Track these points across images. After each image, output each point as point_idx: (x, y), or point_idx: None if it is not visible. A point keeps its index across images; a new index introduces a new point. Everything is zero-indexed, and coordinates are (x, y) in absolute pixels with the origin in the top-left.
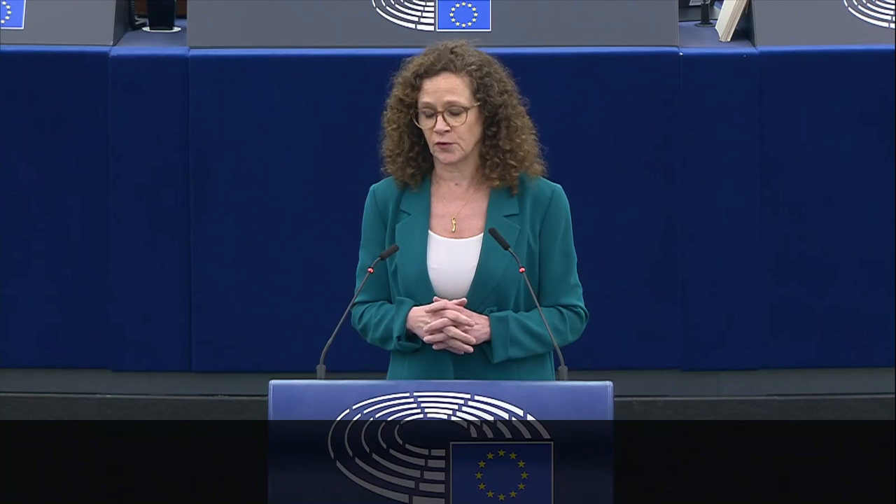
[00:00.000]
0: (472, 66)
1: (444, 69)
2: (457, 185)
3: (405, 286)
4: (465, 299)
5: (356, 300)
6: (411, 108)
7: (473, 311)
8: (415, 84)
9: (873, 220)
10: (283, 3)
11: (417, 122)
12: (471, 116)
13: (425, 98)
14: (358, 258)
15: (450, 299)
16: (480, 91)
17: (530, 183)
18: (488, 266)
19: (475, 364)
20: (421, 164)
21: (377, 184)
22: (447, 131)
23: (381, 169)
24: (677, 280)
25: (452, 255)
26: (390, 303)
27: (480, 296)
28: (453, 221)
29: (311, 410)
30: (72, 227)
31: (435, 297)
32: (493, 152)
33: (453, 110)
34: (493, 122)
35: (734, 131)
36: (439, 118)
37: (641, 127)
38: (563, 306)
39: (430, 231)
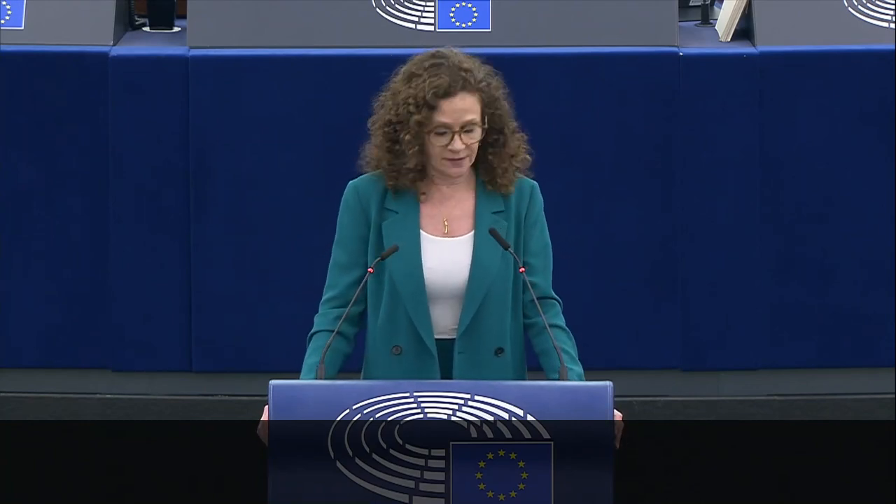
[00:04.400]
0: (483, 83)
1: (462, 89)
2: (447, 186)
3: (396, 284)
4: None
5: (327, 296)
6: (425, 127)
7: (469, 309)
8: (432, 105)
9: (873, 220)
10: (283, 3)
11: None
12: (481, 131)
13: (442, 119)
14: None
15: (443, 298)
16: (489, 106)
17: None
18: (482, 264)
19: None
20: (420, 172)
21: (356, 180)
22: (463, 149)
23: (360, 165)
24: (677, 280)
25: (446, 254)
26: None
27: (476, 294)
28: (445, 222)
29: (311, 410)
30: (72, 227)
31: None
32: (497, 160)
33: (468, 128)
34: (494, 130)
35: (734, 131)
36: (456, 137)
37: (641, 127)
38: (552, 298)
39: (421, 230)
